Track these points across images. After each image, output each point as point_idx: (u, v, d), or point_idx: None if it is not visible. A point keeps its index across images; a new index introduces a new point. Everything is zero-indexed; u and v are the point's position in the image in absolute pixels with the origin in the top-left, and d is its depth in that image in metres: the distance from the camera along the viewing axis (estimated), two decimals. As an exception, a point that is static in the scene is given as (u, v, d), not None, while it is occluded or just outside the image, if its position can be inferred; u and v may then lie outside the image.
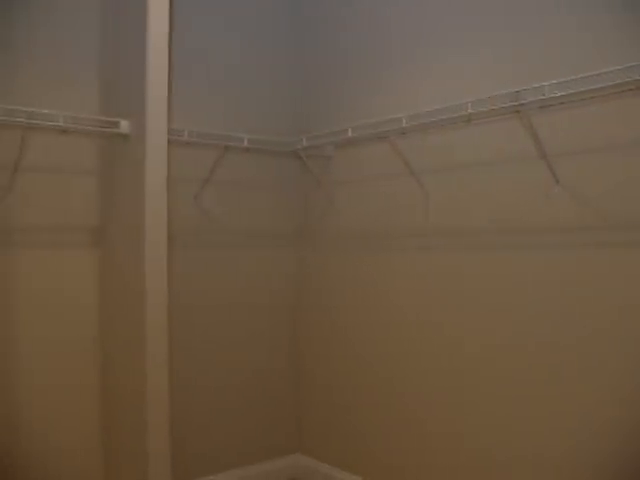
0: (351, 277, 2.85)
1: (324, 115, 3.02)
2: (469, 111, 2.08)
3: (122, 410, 2.36)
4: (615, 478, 1.94)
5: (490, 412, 2.28)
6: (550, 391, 2.10)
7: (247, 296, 2.97)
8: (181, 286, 2.67)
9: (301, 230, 3.13)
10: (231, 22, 2.95)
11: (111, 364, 2.45)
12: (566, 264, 2.05)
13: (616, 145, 1.93)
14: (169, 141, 2.27)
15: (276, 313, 3.08)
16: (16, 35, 2.36)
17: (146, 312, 2.17)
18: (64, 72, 2.46)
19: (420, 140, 2.50)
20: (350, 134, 2.52)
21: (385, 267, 2.68)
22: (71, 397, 2.46)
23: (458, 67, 2.39)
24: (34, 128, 2.16)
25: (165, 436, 2.21)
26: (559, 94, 1.85)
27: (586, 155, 2.01)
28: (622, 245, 1.92)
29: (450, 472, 2.42)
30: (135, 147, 2.25)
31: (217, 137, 2.63)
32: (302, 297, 3.14)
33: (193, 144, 2.63)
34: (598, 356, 1.97)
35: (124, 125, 2.28)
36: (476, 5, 2.33)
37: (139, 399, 2.21)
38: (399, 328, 2.62)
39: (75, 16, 2.49)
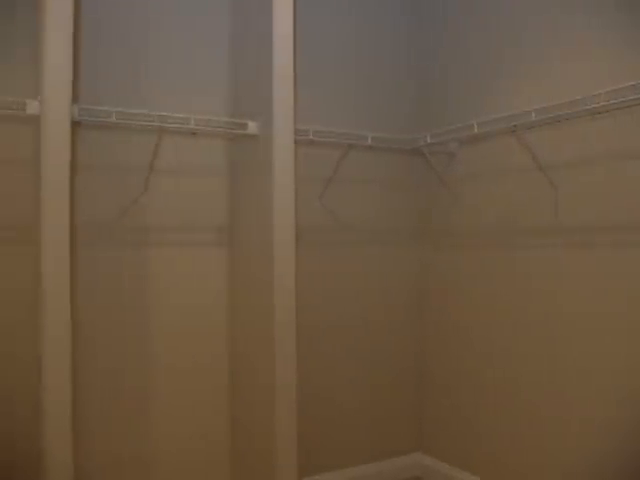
0: (475, 275, 2.76)
1: (444, 111, 2.95)
2: (601, 103, 1.96)
3: (250, 404, 2.41)
4: None
5: (617, 414, 2.14)
6: None
7: (370, 294, 2.95)
8: (306, 284, 2.69)
9: (424, 228, 3.07)
10: (351, 21, 2.93)
11: (239, 358, 2.51)
12: None
13: None
14: (295, 141, 2.27)
15: (398, 311, 3.04)
16: (150, 40, 2.45)
17: (274, 311, 2.20)
18: (194, 76, 2.54)
19: (548, 134, 2.38)
20: (476, 130, 2.44)
21: (510, 265, 2.58)
22: (201, 387, 2.55)
23: (580, 63, 2.27)
24: (167, 131, 2.22)
25: (293, 432, 2.24)
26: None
27: None
28: None
29: (573, 476, 2.30)
30: (263, 148, 2.27)
31: (341, 136, 2.62)
32: (424, 295, 3.08)
33: (317, 143, 2.63)
34: None
35: (252, 126, 2.30)
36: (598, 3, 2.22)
37: (268, 395, 2.25)
38: (523, 327, 2.51)
39: (205, 20, 2.56)
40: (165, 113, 2.16)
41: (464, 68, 2.84)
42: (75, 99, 1.95)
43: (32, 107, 1.96)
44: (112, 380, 2.37)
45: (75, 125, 1.96)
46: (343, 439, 2.88)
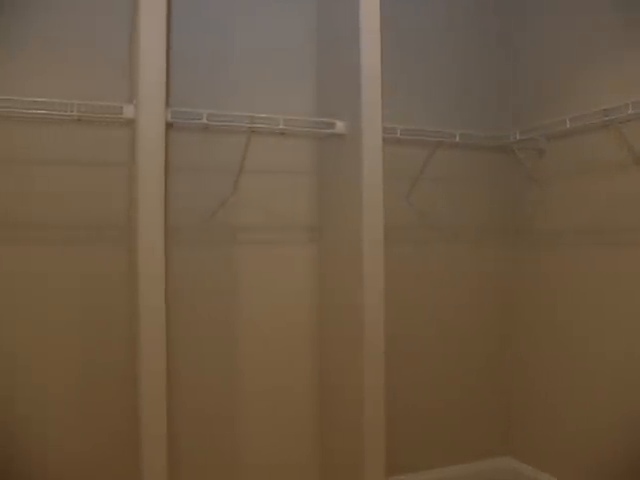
0: (567, 274, 2.66)
1: (530, 108, 2.87)
2: None
3: (338, 403, 2.42)
4: None
5: None
6: None
7: (456, 293, 2.91)
8: (392, 283, 2.66)
9: (512, 226, 2.99)
10: (438, 18, 2.89)
11: (328, 357, 2.53)
12: None
13: None
14: (382, 139, 2.25)
15: (485, 310, 2.97)
16: (237, 41, 2.49)
17: (363, 310, 2.19)
18: (280, 76, 2.56)
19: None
20: (568, 125, 2.36)
21: (605, 264, 2.47)
22: (288, 386, 2.58)
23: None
24: (256, 132, 2.24)
25: (381, 432, 2.22)
26: None
27: None
28: None
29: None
30: (351, 147, 2.26)
31: (429, 134, 2.58)
32: (511, 294, 3.00)
33: (404, 142, 2.60)
34: None
35: (340, 126, 2.30)
36: None
37: (356, 395, 2.24)
38: (618, 328, 2.41)
39: (292, 20, 2.58)
40: (255, 114, 2.18)
41: (550, 64, 2.76)
42: (167, 102, 1.99)
43: (128, 111, 2.02)
44: (201, 378, 2.42)
45: (167, 127, 2.00)
46: (429, 440, 2.84)
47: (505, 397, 3.02)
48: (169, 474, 1.94)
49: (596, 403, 2.52)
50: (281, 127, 2.21)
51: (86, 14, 2.27)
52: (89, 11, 2.27)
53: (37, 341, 2.19)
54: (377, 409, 2.22)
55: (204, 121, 2.12)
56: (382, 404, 2.22)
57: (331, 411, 2.49)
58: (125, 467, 2.27)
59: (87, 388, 2.26)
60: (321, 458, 2.59)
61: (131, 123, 2.10)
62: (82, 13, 2.26)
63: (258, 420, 2.52)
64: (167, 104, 1.98)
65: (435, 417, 2.86)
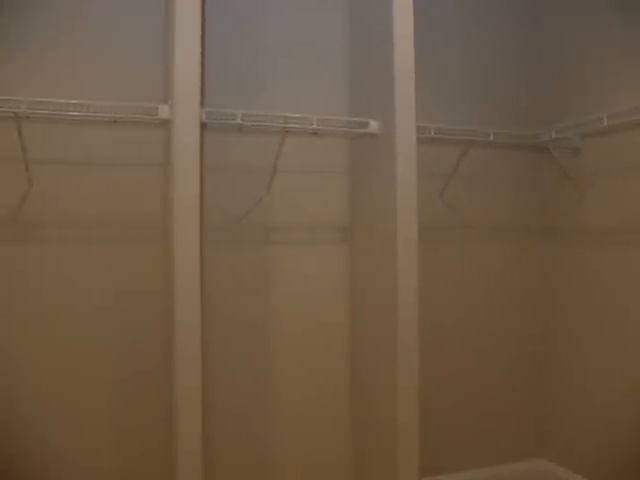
0: (602, 275, 2.62)
1: (564, 106, 2.85)
2: None
3: (372, 403, 2.41)
4: None
5: None
6: None
7: (491, 292, 2.88)
8: (426, 282, 2.64)
9: (546, 225, 2.96)
10: (469, 15, 2.87)
11: (361, 357, 2.52)
12: None
13: None
14: (416, 139, 2.24)
15: (520, 310, 2.95)
16: (269, 41, 2.50)
17: (397, 311, 2.18)
18: (313, 75, 2.56)
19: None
20: (605, 123, 2.32)
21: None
22: (321, 386, 2.58)
23: None
24: (289, 131, 2.24)
25: (415, 432, 2.21)
26: None
27: None
28: None
29: None
30: (384, 146, 2.26)
31: (462, 132, 2.56)
32: (547, 294, 2.97)
33: (437, 140, 2.59)
34: None
35: (373, 125, 2.29)
36: None
37: (390, 395, 2.23)
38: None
39: (324, 20, 2.58)
40: (288, 114, 2.18)
41: (585, 62, 2.73)
42: (202, 102, 2.00)
43: (163, 111, 2.04)
44: (234, 377, 2.44)
45: (201, 127, 2.01)
46: (463, 441, 2.83)
47: (540, 398, 2.99)
48: (203, 474, 1.95)
49: (632, 406, 2.47)
50: (314, 127, 2.21)
51: (118, 14, 2.29)
52: (121, 11, 2.29)
53: (69, 341, 2.23)
54: (411, 409, 2.21)
55: (238, 121, 2.12)
56: (416, 404, 2.21)
57: (364, 411, 2.48)
58: (159, 470, 2.29)
59: (121, 391, 2.28)
60: (354, 458, 2.58)
61: (166, 124, 2.12)
62: (114, 13, 2.29)
63: (291, 420, 2.52)
64: (202, 104, 1.99)
65: (469, 418, 2.84)
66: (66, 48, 2.23)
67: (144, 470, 2.30)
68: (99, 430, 2.26)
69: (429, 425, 2.66)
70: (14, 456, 2.15)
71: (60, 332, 2.21)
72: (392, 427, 2.22)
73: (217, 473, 2.38)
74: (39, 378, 2.19)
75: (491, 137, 2.56)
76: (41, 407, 2.19)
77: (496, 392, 2.90)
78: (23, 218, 2.17)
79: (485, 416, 2.88)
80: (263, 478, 2.48)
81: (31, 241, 2.18)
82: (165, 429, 2.27)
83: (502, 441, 2.91)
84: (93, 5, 2.27)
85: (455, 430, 2.81)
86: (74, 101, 1.99)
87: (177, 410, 1.92)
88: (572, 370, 2.82)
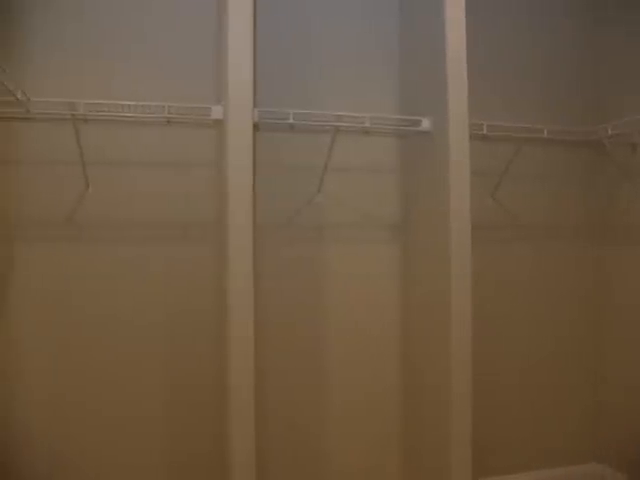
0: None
1: (619, 103, 2.77)
2: None
3: (424, 404, 2.39)
4: None
5: None
6: None
7: (545, 292, 2.82)
8: (479, 281, 2.61)
9: (602, 224, 2.88)
10: (521, 10, 2.81)
11: (413, 358, 2.50)
12: None
13: None
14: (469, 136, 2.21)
15: (575, 310, 2.88)
16: (316, 41, 2.50)
17: (451, 310, 2.15)
18: (363, 74, 2.55)
19: None
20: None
21: None
22: (373, 386, 2.56)
23: None
24: (340, 130, 2.24)
25: (467, 434, 2.18)
26: None
27: None
28: None
29: None
30: (437, 144, 2.23)
31: (516, 129, 2.51)
32: (603, 294, 2.89)
33: (489, 138, 2.55)
34: None
35: (425, 123, 2.27)
36: None
37: (443, 396, 2.21)
38: None
39: (375, 18, 2.56)
40: (340, 112, 2.17)
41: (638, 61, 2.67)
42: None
43: (217, 112, 2.05)
44: (287, 377, 2.44)
45: (254, 127, 2.02)
46: (517, 443, 2.78)
47: (594, 401, 2.92)
48: (257, 474, 1.96)
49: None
50: (367, 125, 2.20)
51: (170, 16, 2.32)
52: (172, 13, 2.33)
53: (125, 342, 2.27)
54: (464, 410, 2.18)
55: (290, 121, 2.13)
56: (469, 405, 2.18)
57: (416, 411, 2.46)
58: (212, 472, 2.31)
59: (173, 392, 2.32)
60: (407, 461, 2.56)
61: (218, 124, 2.13)
62: (166, 15, 2.32)
63: (341, 420, 2.52)
64: (254, 104, 2.00)
65: (523, 420, 2.79)
66: (118, 50, 2.27)
67: (196, 471, 2.33)
68: (153, 435, 2.30)
69: (483, 426, 2.63)
70: (75, 457, 2.21)
71: (113, 333, 2.25)
72: (446, 428, 2.20)
73: (271, 477, 2.39)
74: (94, 373, 2.23)
75: (545, 134, 2.51)
76: (97, 408, 2.23)
77: (551, 394, 2.84)
78: (79, 218, 2.21)
79: (540, 419, 2.82)
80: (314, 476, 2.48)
81: (86, 241, 2.23)
82: (217, 430, 2.29)
83: (557, 444, 2.85)
84: (146, 7, 2.30)
85: (509, 432, 2.77)
86: (129, 102, 2.02)
87: (230, 409, 1.94)
88: (626, 372, 2.75)
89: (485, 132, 2.43)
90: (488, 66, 2.72)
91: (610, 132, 2.56)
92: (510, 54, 2.79)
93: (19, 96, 1.90)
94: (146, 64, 2.29)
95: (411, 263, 2.49)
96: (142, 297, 2.28)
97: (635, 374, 2.69)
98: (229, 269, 1.92)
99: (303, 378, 2.46)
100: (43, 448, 2.19)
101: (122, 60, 2.27)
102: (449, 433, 2.17)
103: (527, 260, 2.79)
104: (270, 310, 2.39)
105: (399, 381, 2.58)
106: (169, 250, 2.30)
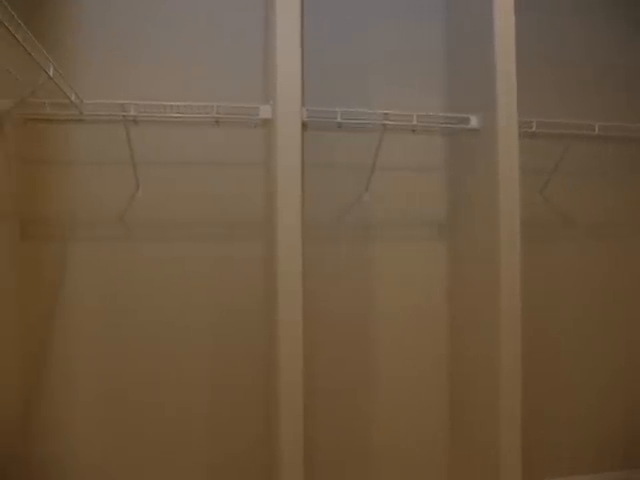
0: None
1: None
2: None
3: (472, 402, 2.36)
4: None
5: None
6: None
7: (596, 292, 2.77)
8: (526, 280, 2.57)
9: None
10: (572, 8, 2.76)
11: (460, 360, 2.48)
12: None
13: None
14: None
15: (626, 312, 2.81)
16: (361, 39, 2.49)
17: (500, 311, 2.13)
18: (410, 71, 2.53)
19: None
20: None
21: None
22: (420, 387, 2.55)
23: None
24: (388, 128, 2.22)
25: (517, 431, 2.15)
26: None
27: None
28: None
29: None
30: (485, 142, 2.21)
31: (566, 126, 2.47)
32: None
33: (538, 134, 2.50)
34: None
35: (474, 120, 2.24)
36: None
37: (491, 396, 2.18)
38: None
39: (421, 15, 2.55)
40: (388, 111, 2.16)
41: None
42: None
43: (265, 111, 2.06)
44: (335, 373, 2.45)
45: (302, 126, 2.02)
46: (571, 445, 2.73)
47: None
48: (305, 470, 1.97)
49: None
50: (414, 123, 2.18)
51: (216, 16, 2.34)
52: (219, 13, 2.35)
53: (169, 342, 2.31)
54: (513, 416, 2.14)
55: (338, 119, 2.12)
56: (519, 411, 2.14)
57: (464, 415, 2.44)
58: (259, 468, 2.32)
59: (219, 393, 2.35)
60: (454, 466, 2.54)
61: (267, 123, 2.14)
62: (212, 15, 2.34)
63: (389, 421, 2.51)
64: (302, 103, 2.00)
65: (573, 425, 2.74)
66: (167, 51, 2.30)
67: (245, 466, 2.34)
68: (197, 435, 2.33)
69: (532, 431, 2.59)
70: (118, 455, 2.25)
71: (160, 333, 2.29)
72: (494, 434, 2.17)
73: (317, 474, 2.39)
74: (140, 372, 2.27)
75: (596, 130, 2.46)
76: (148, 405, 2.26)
77: (602, 398, 2.78)
78: (130, 218, 2.25)
79: (590, 423, 2.77)
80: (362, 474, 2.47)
81: (136, 241, 2.26)
82: (263, 432, 2.32)
83: (607, 449, 2.79)
84: (194, 8, 2.32)
85: (563, 434, 2.72)
86: (178, 103, 2.04)
87: (279, 409, 1.95)
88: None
89: (534, 129, 2.39)
90: (537, 61, 2.68)
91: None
92: (559, 48, 2.74)
93: (73, 98, 1.93)
94: (194, 64, 2.32)
95: (458, 262, 2.47)
96: (190, 297, 2.31)
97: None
98: (278, 269, 1.93)
99: (350, 379, 2.46)
100: (87, 444, 2.23)
101: (170, 61, 2.30)
102: (499, 439, 2.14)
103: (577, 259, 2.74)
104: (318, 309, 2.39)
105: (446, 383, 2.56)
106: (217, 249, 2.32)
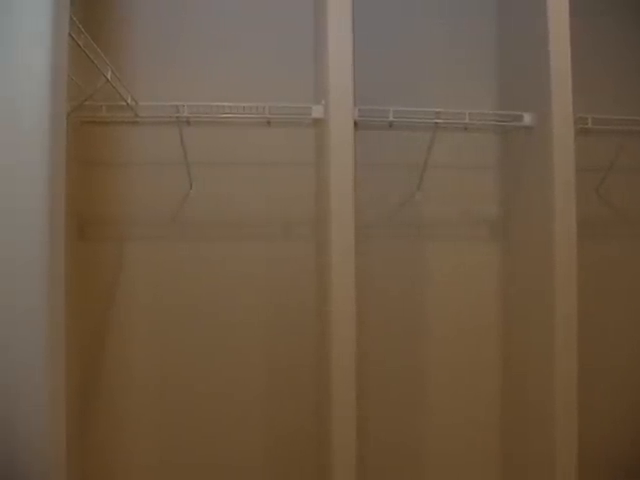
0: None
1: None
2: None
3: (526, 410, 2.32)
4: None
5: None
6: None
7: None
8: (584, 280, 2.52)
9: None
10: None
11: (513, 362, 2.44)
12: None
13: None
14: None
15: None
16: (417, 39, 2.47)
17: (555, 313, 2.09)
18: (460, 68, 2.51)
19: None
20: None
21: None
22: (471, 389, 2.52)
23: None
24: (440, 127, 2.21)
25: (574, 444, 2.10)
26: None
27: None
28: None
29: None
30: (540, 139, 2.17)
31: (622, 122, 2.41)
32: None
33: (594, 131, 2.45)
34: None
35: (527, 118, 2.21)
36: None
37: (547, 408, 2.14)
38: None
39: (472, 11, 2.52)
40: (440, 109, 2.15)
41: None
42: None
43: (317, 111, 2.06)
44: (386, 371, 2.44)
45: (354, 125, 2.02)
46: (623, 452, 2.66)
47: None
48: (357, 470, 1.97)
49: None
50: (467, 121, 2.16)
51: (266, 16, 2.36)
52: (269, 13, 2.37)
53: (223, 341, 2.34)
54: (569, 422, 2.09)
55: (390, 118, 2.11)
56: (575, 415, 2.09)
57: (517, 421, 2.39)
58: (311, 461, 2.33)
59: (272, 392, 2.37)
60: (505, 470, 2.50)
61: (318, 123, 2.14)
62: (262, 15, 2.36)
63: (440, 427, 2.49)
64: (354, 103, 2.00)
65: (628, 431, 2.66)
66: (218, 52, 2.33)
67: (295, 464, 2.36)
68: (251, 434, 2.35)
69: (589, 434, 2.54)
70: (172, 451, 2.28)
71: (214, 332, 2.32)
72: (549, 441, 2.12)
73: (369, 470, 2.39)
74: (195, 373, 2.30)
75: (647, 126, 2.40)
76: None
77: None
78: (183, 218, 2.28)
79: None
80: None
81: (190, 240, 2.29)
82: (315, 431, 2.32)
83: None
84: (243, 8, 2.34)
85: (618, 437, 2.65)
86: (230, 104, 2.05)
87: (331, 409, 1.95)
88: None
89: (590, 125, 2.34)
90: (592, 56, 2.62)
91: None
92: (615, 43, 2.68)
93: (129, 101, 1.96)
94: (245, 65, 2.34)
95: (512, 262, 2.43)
96: (242, 295, 2.33)
97: None
98: (332, 268, 1.93)
99: (402, 379, 2.45)
100: (144, 438, 2.28)
101: (222, 62, 2.32)
102: (554, 446, 2.09)
103: (635, 259, 2.67)
104: (370, 308, 2.38)
105: (498, 386, 2.51)
106: (269, 249, 2.34)
